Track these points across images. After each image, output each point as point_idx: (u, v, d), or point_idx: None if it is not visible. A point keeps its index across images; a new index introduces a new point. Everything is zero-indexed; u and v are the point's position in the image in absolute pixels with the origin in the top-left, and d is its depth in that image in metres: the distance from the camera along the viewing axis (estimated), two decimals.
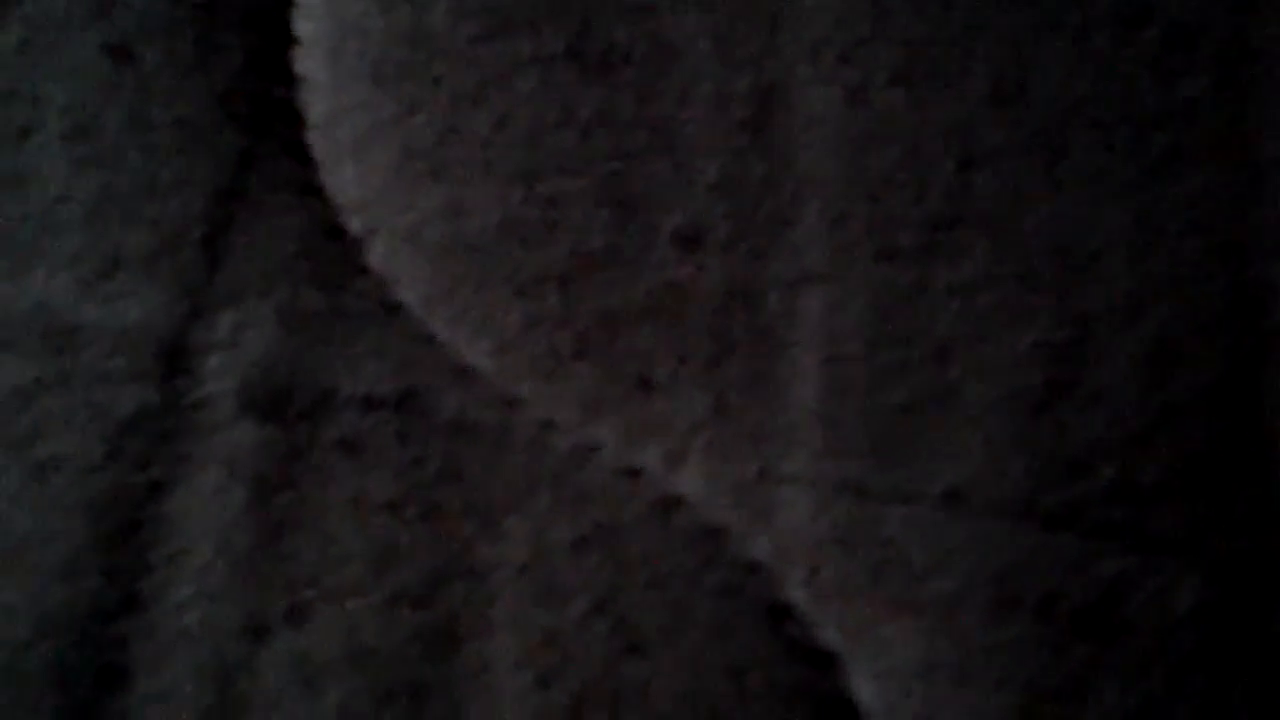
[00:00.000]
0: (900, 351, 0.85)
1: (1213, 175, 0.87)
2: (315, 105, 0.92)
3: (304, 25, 0.94)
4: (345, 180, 0.91)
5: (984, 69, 0.89)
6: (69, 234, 0.92)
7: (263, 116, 0.93)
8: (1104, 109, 0.88)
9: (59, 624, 0.87)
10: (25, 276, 0.91)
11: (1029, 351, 0.85)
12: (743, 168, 0.89)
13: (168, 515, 0.87)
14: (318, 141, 0.92)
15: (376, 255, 0.90)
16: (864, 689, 0.82)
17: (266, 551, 0.86)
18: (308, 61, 0.93)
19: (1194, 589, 0.82)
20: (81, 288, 0.91)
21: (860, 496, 0.84)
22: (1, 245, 0.92)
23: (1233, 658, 0.82)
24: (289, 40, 0.94)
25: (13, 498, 0.88)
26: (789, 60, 0.91)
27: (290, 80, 0.93)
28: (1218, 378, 0.84)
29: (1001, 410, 0.84)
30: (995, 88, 0.89)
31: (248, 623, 0.85)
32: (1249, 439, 0.84)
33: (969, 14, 0.91)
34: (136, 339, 0.90)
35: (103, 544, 0.87)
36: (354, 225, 0.90)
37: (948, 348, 0.85)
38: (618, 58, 0.92)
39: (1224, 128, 0.88)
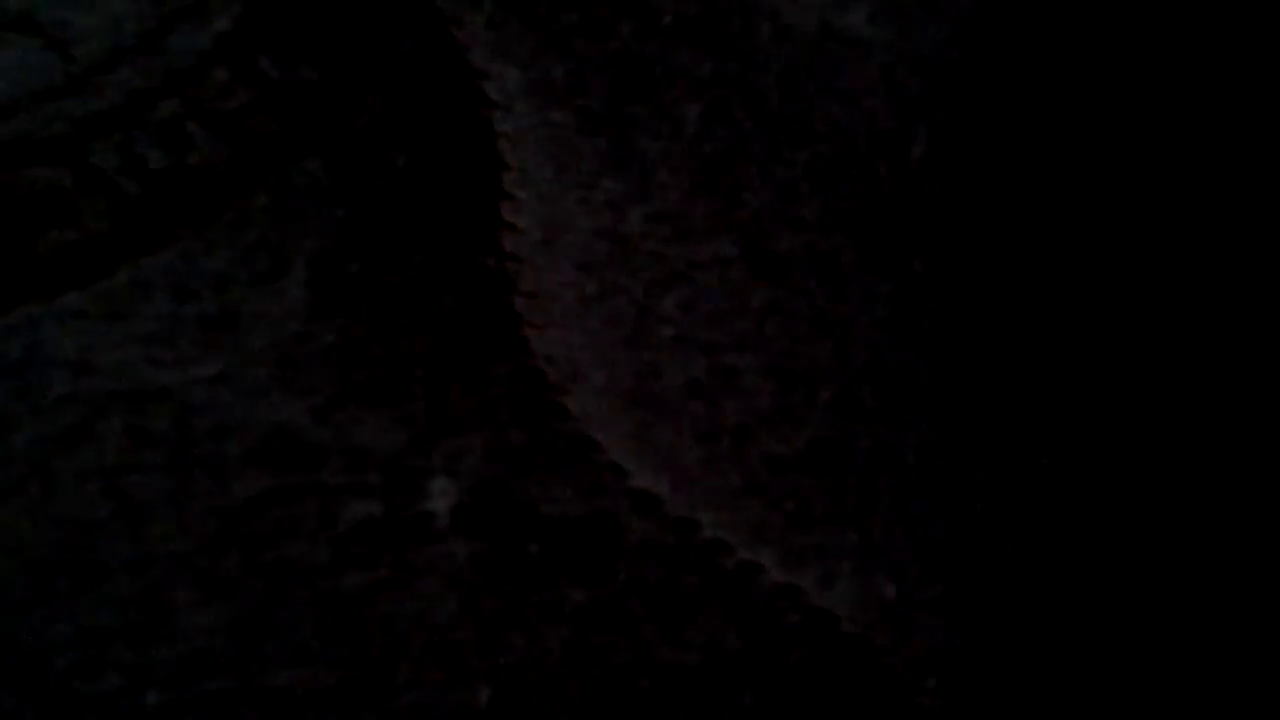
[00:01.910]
0: (1009, 510, 1.11)
1: None
2: (525, 278, 1.19)
3: (513, 214, 1.21)
4: (550, 340, 1.16)
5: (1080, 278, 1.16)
6: (305, 366, 1.17)
7: (478, 282, 1.19)
8: None
9: (283, 706, 1.08)
10: (262, 400, 1.16)
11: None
12: (889, 355, 1.15)
13: (388, 613, 1.10)
14: (525, 306, 1.18)
15: (575, 401, 1.15)
16: None
17: (476, 646, 1.08)
18: (518, 244, 1.20)
19: None
20: (315, 413, 1.15)
21: (982, 620, 1.09)
22: (242, 372, 1.16)
23: None
24: (499, 223, 1.20)
25: (246, 593, 1.11)
26: (919, 272, 1.19)
27: (501, 253, 1.20)
28: None
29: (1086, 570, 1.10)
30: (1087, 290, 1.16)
31: (457, 709, 1.07)
32: None
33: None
34: (363, 459, 1.14)
35: (326, 635, 1.09)
36: (555, 375, 1.15)
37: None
38: (781, 262, 1.19)
39: None
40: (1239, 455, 1.08)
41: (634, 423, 1.09)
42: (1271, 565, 1.06)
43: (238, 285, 1.13)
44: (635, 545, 1.07)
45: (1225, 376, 1.12)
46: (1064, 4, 1.27)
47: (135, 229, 1.16)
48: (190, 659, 1.05)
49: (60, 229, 1.15)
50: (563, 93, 1.18)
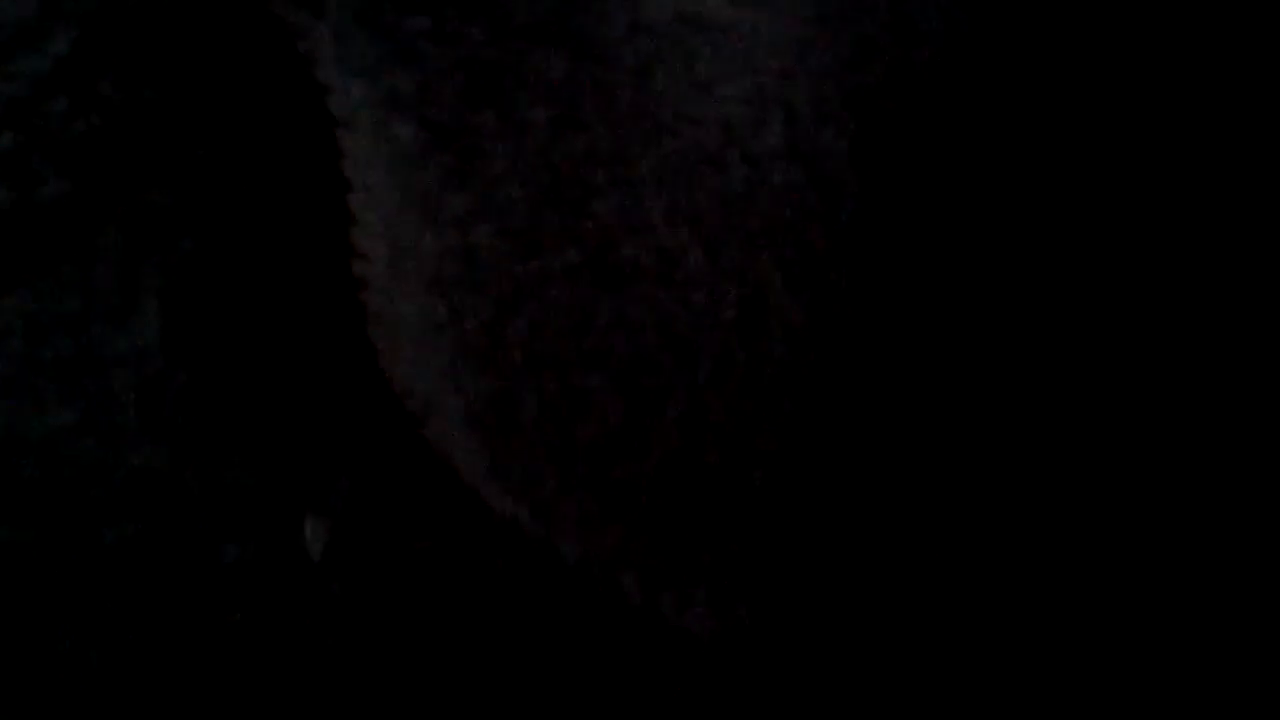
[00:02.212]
0: (868, 523, 1.18)
1: None
2: (377, 305, 1.23)
3: (364, 240, 1.25)
4: (404, 369, 1.21)
5: (931, 275, 1.23)
6: (165, 408, 1.21)
7: (331, 314, 1.23)
8: None
9: None
10: (129, 445, 1.20)
11: None
12: (733, 364, 1.21)
13: (264, 658, 1.16)
14: (378, 336, 1.22)
15: (432, 431, 1.20)
16: None
17: (362, 689, 1.15)
18: (369, 270, 1.24)
19: None
20: (180, 456, 1.20)
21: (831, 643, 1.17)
22: (108, 417, 1.20)
23: None
24: (348, 249, 1.24)
25: (125, 645, 1.16)
26: (768, 270, 1.24)
27: (351, 281, 1.24)
28: None
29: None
30: (939, 291, 1.22)
31: None
32: None
33: (903, 239, 1.24)
34: (233, 501, 1.19)
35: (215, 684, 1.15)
36: (412, 405, 1.20)
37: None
38: (628, 269, 1.24)
39: None
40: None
41: (491, 451, 1.15)
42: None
43: (93, 325, 1.17)
44: (502, 577, 1.13)
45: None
46: None
47: None
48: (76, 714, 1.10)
49: None
50: (409, 105, 1.22)
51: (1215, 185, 1.17)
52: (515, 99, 1.22)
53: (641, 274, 1.18)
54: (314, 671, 1.10)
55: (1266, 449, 1.11)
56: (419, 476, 1.15)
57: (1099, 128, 1.19)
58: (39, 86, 1.23)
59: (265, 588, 1.11)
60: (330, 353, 1.17)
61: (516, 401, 1.16)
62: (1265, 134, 1.19)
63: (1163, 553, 1.10)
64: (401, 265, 1.18)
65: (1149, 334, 1.14)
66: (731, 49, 1.26)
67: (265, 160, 1.21)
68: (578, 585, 1.13)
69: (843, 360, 1.16)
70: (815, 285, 1.18)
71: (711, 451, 1.14)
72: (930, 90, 1.21)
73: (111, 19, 1.24)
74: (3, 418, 1.14)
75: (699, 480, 1.14)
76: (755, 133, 1.21)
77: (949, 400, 1.14)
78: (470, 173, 1.19)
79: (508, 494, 1.15)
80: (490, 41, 1.24)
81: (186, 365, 1.16)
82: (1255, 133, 1.19)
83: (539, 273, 1.18)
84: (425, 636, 1.12)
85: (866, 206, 1.19)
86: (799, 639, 1.11)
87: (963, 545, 1.12)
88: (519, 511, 1.14)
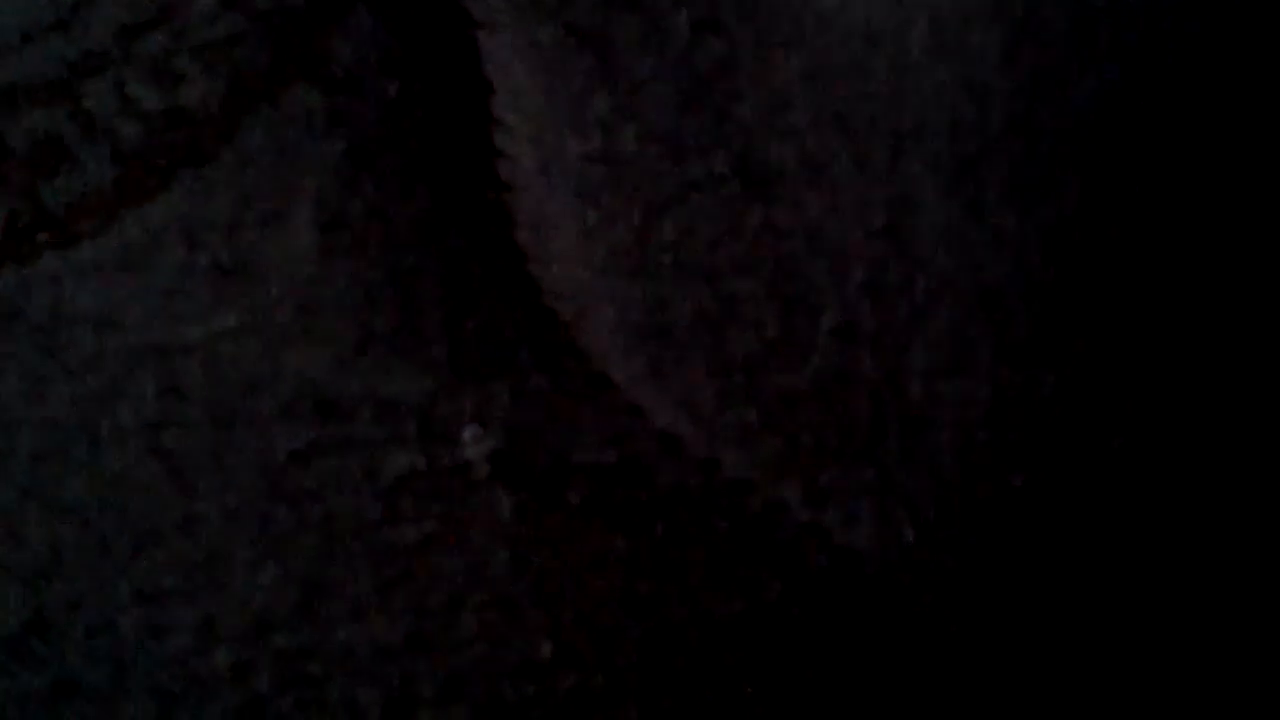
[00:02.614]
0: (1019, 441, 1.22)
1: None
2: (524, 209, 1.25)
3: (506, 142, 1.27)
4: (555, 274, 1.24)
5: (1080, 181, 1.25)
6: (323, 313, 1.24)
7: (480, 216, 1.26)
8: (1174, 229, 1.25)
9: (350, 662, 1.19)
10: (286, 351, 1.24)
11: (1116, 455, 1.22)
12: (884, 271, 1.24)
13: (441, 567, 1.21)
14: (528, 241, 1.25)
15: (587, 338, 1.24)
16: None
17: (532, 599, 1.20)
18: (513, 173, 1.26)
19: None
20: (339, 362, 1.24)
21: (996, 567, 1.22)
22: (262, 322, 1.24)
23: None
24: (493, 151, 1.27)
25: (301, 550, 1.21)
26: (917, 174, 1.26)
27: (498, 184, 1.26)
28: None
29: (1093, 500, 1.22)
30: (1085, 201, 1.25)
31: (522, 663, 1.20)
32: None
33: (1052, 140, 1.27)
34: (394, 410, 1.23)
35: (384, 590, 1.20)
36: (565, 312, 1.24)
37: (1053, 442, 1.22)
38: (773, 175, 1.26)
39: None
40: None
41: (647, 359, 1.19)
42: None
43: (246, 229, 1.20)
44: (665, 491, 1.18)
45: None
46: None
47: (137, 175, 1.21)
48: (254, 617, 1.16)
49: (65, 177, 1.20)
50: (549, 7, 1.23)
51: None
52: (655, 2, 1.23)
53: (788, 179, 1.20)
54: (489, 588, 1.15)
55: None
56: (576, 384, 1.19)
57: None
58: None
59: (435, 499, 1.16)
60: (483, 257, 1.20)
61: (670, 308, 1.19)
62: None
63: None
64: (548, 169, 1.21)
65: None
66: None
67: (408, 63, 1.22)
68: (741, 499, 1.17)
69: (998, 269, 1.19)
70: (966, 188, 1.20)
71: (867, 362, 1.18)
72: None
73: None
74: (166, 323, 1.18)
75: (858, 392, 1.18)
76: (900, 35, 1.22)
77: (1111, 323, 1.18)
78: (613, 74, 1.21)
79: (666, 403, 1.19)
80: None
81: (342, 271, 1.19)
82: None
83: (685, 178, 1.20)
84: (595, 555, 1.17)
85: (1017, 109, 1.21)
86: (961, 570, 1.16)
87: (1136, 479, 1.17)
88: (678, 421, 1.18)
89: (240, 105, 1.23)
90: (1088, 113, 1.21)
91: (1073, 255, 1.20)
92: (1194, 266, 1.19)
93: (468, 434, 1.16)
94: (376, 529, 1.15)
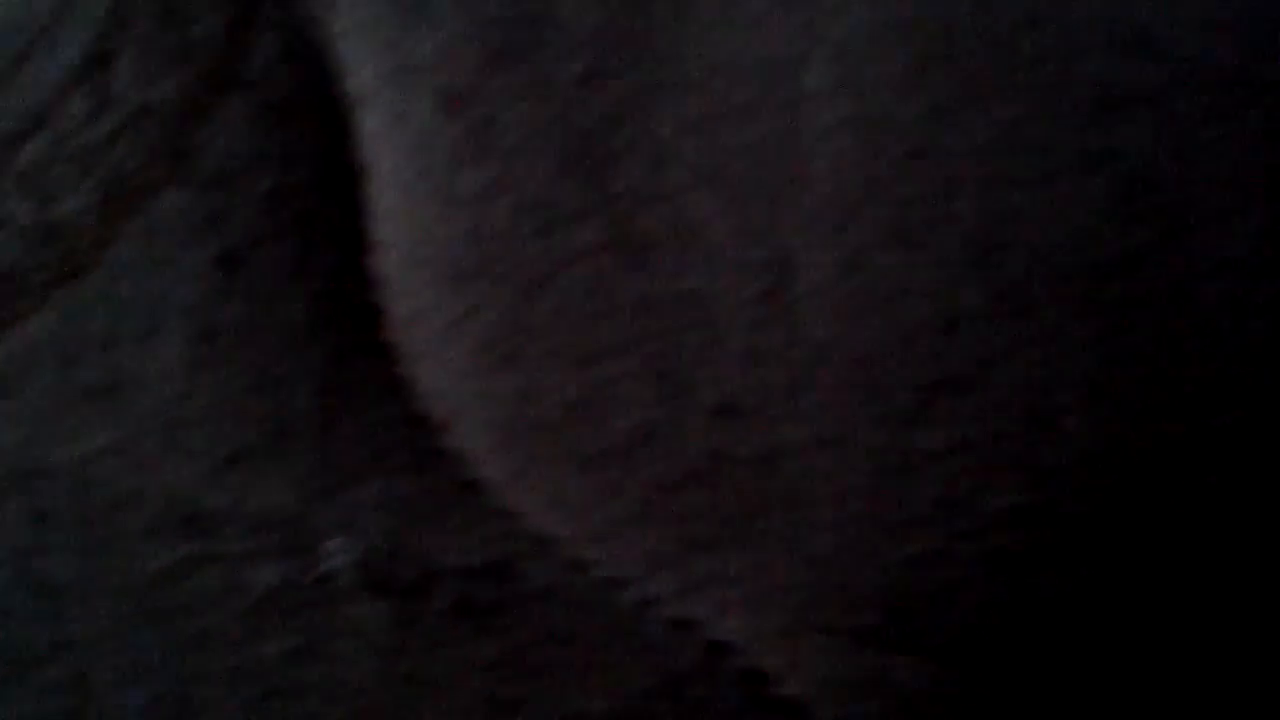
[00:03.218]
0: (900, 512, 1.24)
1: (1161, 324, 1.23)
2: (397, 304, 1.32)
3: (381, 230, 1.34)
4: (427, 372, 1.30)
5: (963, 226, 1.26)
6: (194, 427, 1.33)
7: (352, 317, 1.33)
8: (1064, 259, 1.25)
9: None
10: (157, 468, 1.32)
11: (1001, 514, 1.23)
12: (764, 338, 1.27)
13: (305, 681, 1.28)
14: (401, 338, 1.31)
15: (458, 439, 1.29)
16: None
17: (395, 710, 1.27)
18: (388, 264, 1.33)
19: None
20: (209, 477, 1.32)
21: (875, 645, 1.23)
22: (133, 440, 1.33)
23: None
24: (366, 243, 1.33)
25: (166, 671, 1.29)
26: (794, 230, 1.29)
27: (370, 281, 1.33)
28: (1170, 527, 1.21)
29: (983, 571, 1.22)
30: (975, 245, 1.26)
31: None
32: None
33: (948, 170, 1.28)
34: (263, 522, 1.31)
35: (250, 709, 1.28)
36: (437, 412, 1.30)
37: (937, 512, 1.23)
38: (651, 242, 1.30)
39: (1171, 274, 1.24)
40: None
41: (518, 457, 1.24)
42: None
43: (119, 346, 1.29)
44: (536, 592, 1.23)
45: None
46: None
47: (12, 294, 1.32)
48: None
49: None
50: (424, 73, 1.29)
51: None
52: (544, 53, 1.28)
53: (665, 246, 1.24)
54: (354, 700, 1.22)
55: None
56: (446, 487, 1.25)
57: None
58: (57, 90, 1.34)
59: (299, 613, 1.23)
60: (355, 360, 1.27)
61: (540, 400, 1.24)
62: None
63: None
64: (418, 255, 1.27)
65: None
66: None
67: (283, 153, 1.30)
68: (612, 595, 1.22)
69: (877, 329, 1.21)
70: (847, 239, 1.22)
71: (745, 441, 1.22)
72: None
73: (123, 15, 1.34)
74: (36, 446, 1.28)
75: (736, 475, 1.22)
76: (795, 70, 1.25)
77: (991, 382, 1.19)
78: (487, 144, 1.27)
79: (538, 502, 1.24)
80: None
81: (210, 384, 1.27)
82: None
83: (558, 252, 1.25)
84: (462, 660, 1.23)
85: (911, 143, 1.23)
86: (837, 655, 1.19)
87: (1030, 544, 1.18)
88: (550, 519, 1.23)
89: (115, 214, 1.32)
90: (987, 144, 1.22)
91: (957, 306, 1.22)
92: (1096, 313, 1.20)
93: (331, 545, 1.23)
94: (243, 645, 1.23)
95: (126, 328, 1.27)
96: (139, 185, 1.32)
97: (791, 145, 1.23)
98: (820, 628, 1.17)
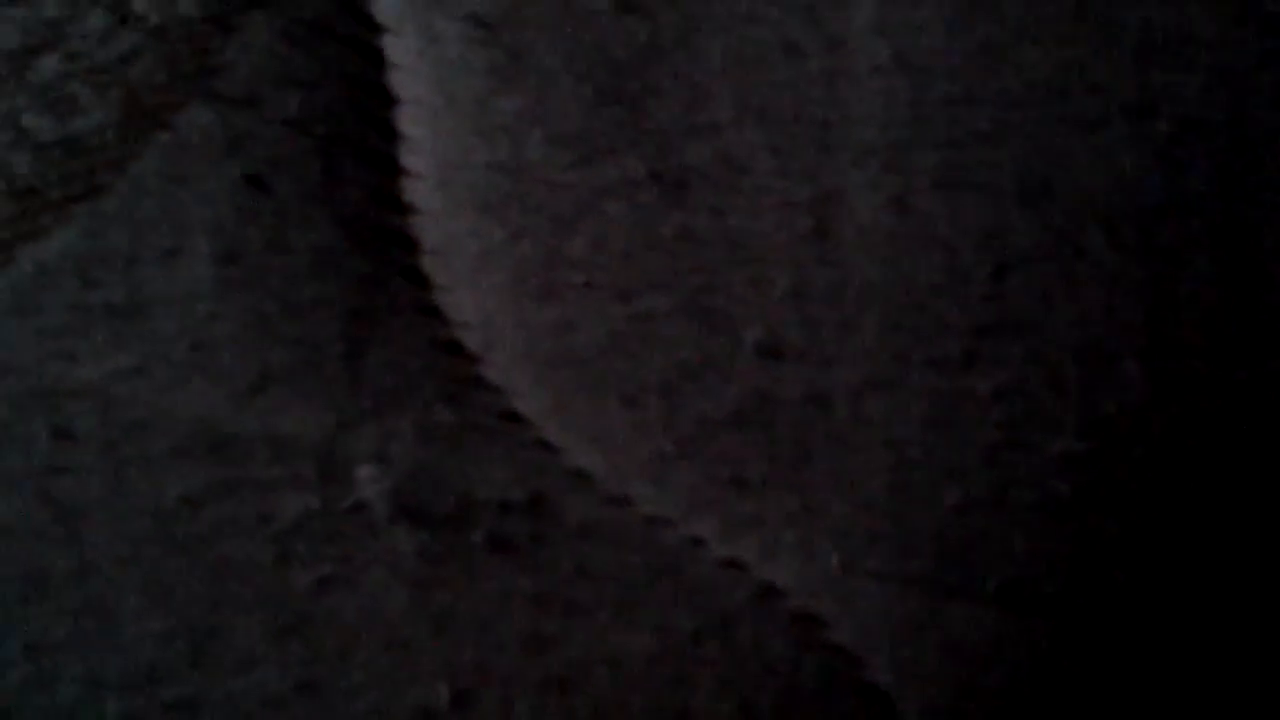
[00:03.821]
0: (954, 455, 1.36)
1: (1216, 268, 1.36)
2: (428, 233, 1.42)
3: (411, 159, 1.44)
4: (461, 301, 1.40)
5: (1014, 169, 1.39)
6: (220, 350, 1.43)
7: (383, 243, 1.44)
8: (1116, 204, 1.38)
9: (240, 712, 1.38)
10: (182, 390, 1.42)
11: (1056, 460, 1.36)
12: (810, 277, 1.39)
13: (336, 611, 1.38)
14: (433, 266, 1.41)
15: (494, 370, 1.40)
16: None
17: (429, 642, 1.37)
18: (418, 192, 1.43)
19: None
20: (235, 401, 1.41)
21: (926, 590, 1.36)
22: (158, 361, 1.42)
23: None
24: (397, 169, 1.44)
25: (192, 598, 1.39)
26: (841, 169, 1.41)
27: (402, 206, 1.44)
28: (1226, 479, 1.34)
29: (1038, 515, 1.35)
30: (1023, 188, 1.39)
31: (416, 709, 1.36)
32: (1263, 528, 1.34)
33: (998, 112, 1.40)
34: (291, 449, 1.40)
35: (277, 637, 1.38)
36: (471, 342, 1.41)
37: (993, 454, 1.36)
38: (692, 177, 1.41)
39: (1225, 218, 1.37)
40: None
41: (556, 389, 1.35)
42: None
43: (141, 265, 1.38)
44: (575, 528, 1.34)
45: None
46: None
47: (32, 211, 1.41)
48: (143, 668, 1.34)
49: None
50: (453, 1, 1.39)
51: None
52: None
53: (707, 182, 1.35)
54: (385, 631, 1.33)
55: None
56: (483, 419, 1.36)
57: None
58: (71, 4, 1.44)
59: (331, 541, 1.34)
60: (387, 286, 1.37)
61: (579, 333, 1.35)
62: None
63: None
64: (450, 184, 1.37)
65: None
66: None
67: (311, 74, 1.40)
68: (655, 535, 1.33)
69: (929, 270, 1.34)
70: (894, 179, 1.34)
71: (792, 381, 1.33)
72: None
73: None
74: (59, 364, 1.37)
75: (783, 416, 1.33)
76: (842, 10, 1.37)
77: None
78: (521, 72, 1.36)
79: (576, 437, 1.35)
80: None
81: (239, 305, 1.37)
82: None
83: (595, 184, 1.35)
84: (498, 594, 1.34)
85: (956, 87, 1.35)
86: (890, 599, 1.31)
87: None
88: (589, 455, 1.34)
89: (135, 132, 1.41)
90: (1036, 87, 1.35)
91: (1008, 249, 1.34)
92: (1151, 256, 1.33)
93: (363, 473, 1.33)
94: (270, 574, 1.33)
95: (149, 246, 1.36)
96: (160, 103, 1.41)
97: (838, 84, 1.34)
98: (872, 572, 1.28)
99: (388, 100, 1.34)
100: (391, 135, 1.35)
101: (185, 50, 1.37)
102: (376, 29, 1.35)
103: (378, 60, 1.35)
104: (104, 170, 1.36)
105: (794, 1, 1.32)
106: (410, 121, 1.33)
